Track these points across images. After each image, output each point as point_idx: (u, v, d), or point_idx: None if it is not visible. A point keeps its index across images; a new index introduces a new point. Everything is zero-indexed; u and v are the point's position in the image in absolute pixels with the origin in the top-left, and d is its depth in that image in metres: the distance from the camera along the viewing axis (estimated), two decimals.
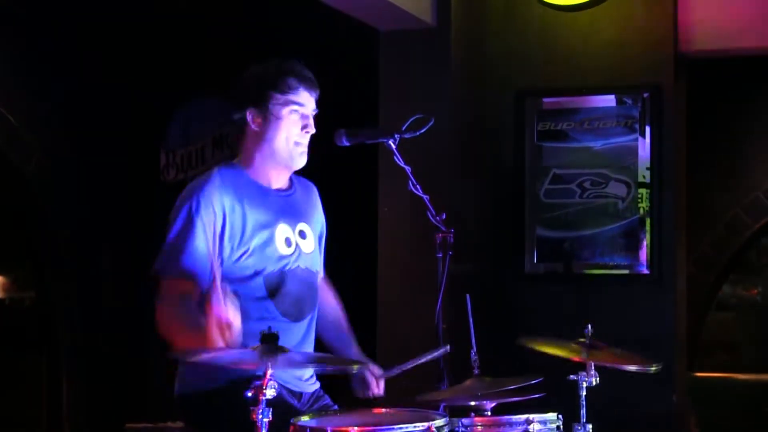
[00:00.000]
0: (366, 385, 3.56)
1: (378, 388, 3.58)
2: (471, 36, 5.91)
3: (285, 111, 3.33)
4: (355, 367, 3.19)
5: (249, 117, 3.34)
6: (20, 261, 8.09)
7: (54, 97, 7.33)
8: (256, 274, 3.27)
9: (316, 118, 3.40)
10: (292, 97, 3.34)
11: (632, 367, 3.69)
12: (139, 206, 7.46)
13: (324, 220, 3.60)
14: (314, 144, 3.41)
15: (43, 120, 7.33)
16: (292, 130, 3.34)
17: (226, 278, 3.14)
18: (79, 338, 7.48)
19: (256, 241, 3.27)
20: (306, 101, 3.36)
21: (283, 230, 3.35)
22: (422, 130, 3.45)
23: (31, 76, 7.23)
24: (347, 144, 3.46)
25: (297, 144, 3.35)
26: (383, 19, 5.66)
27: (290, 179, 3.47)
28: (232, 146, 3.42)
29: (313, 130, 3.38)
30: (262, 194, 3.35)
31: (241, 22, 7.27)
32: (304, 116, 3.36)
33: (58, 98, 7.34)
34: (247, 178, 3.35)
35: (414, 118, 3.45)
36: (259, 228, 3.29)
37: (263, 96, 3.33)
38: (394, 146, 3.43)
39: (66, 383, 7.46)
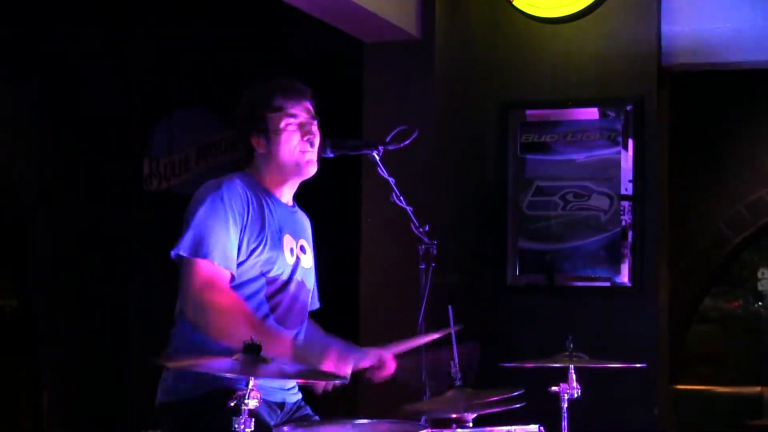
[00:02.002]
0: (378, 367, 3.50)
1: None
2: (455, 48, 5.93)
3: (282, 125, 3.39)
4: (337, 381, 3.18)
5: (253, 142, 3.41)
6: (2, 269, 8.06)
7: (37, 106, 7.31)
8: (262, 274, 3.31)
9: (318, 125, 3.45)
10: (285, 111, 3.39)
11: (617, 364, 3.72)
12: (122, 215, 7.45)
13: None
14: None
15: (25, 128, 7.32)
16: (293, 140, 3.39)
17: (239, 275, 3.24)
18: (60, 347, 7.46)
19: (269, 241, 3.32)
20: (299, 111, 3.41)
21: (288, 240, 3.40)
22: (406, 142, 3.46)
23: (14, 84, 7.21)
24: (331, 155, 3.47)
25: (302, 152, 3.40)
26: (368, 31, 5.67)
27: (294, 200, 3.53)
28: (246, 163, 3.47)
29: (315, 136, 3.42)
30: (273, 202, 3.42)
31: (225, 33, 7.27)
32: (301, 125, 3.40)
33: (42, 106, 7.33)
34: (261, 185, 3.42)
35: (398, 129, 3.46)
36: (273, 229, 3.35)
37: (259, 119, 3.39)
38: (378, 157, 3.44)
39: (47, 392, 7.43)
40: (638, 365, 3.80)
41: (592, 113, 5.98)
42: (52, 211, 7.41)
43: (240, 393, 2.75)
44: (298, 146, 3.39)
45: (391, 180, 3.43)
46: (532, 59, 6.09)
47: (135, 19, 7.44)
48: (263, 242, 3.31)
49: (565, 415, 3.56)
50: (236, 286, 3.27)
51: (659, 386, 5.93)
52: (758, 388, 9.12)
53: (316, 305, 3.67)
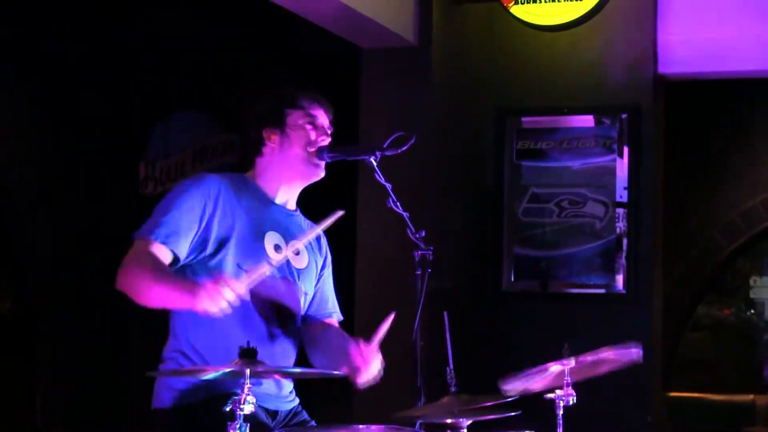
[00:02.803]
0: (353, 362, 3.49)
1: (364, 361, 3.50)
2: (452, 55, 5.94)
3: (301, 122, 3.44)
4: (336, 372, 3.18)
5: (265, 134, 3.44)
6: None
7: (35, 107, 7.31)
8: (239, 267, 3.28)
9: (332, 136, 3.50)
10: (306, 110, 3.45)
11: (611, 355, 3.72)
12: (118, 218, 7.44)
13: (330, 260, 3.66)
14: None
15: (23, 129, 7.31)
16: (307, 137, 3.43)
17: (208, 268, 3.24)
18: (56, 348, 7.45)
19: (242, 234, 3.31)
20: (320, 115, 3.47)
21: (273, 236, 3.40)
22: (404, 148, 3.46)
23: (14, 84, 7.21)
24: (329, 160, 3.48)
25: (313, 153, 3.43)
26: (365, 37, 5.68)
27: (297, 206, 3.55)
28: (247, 164, 3.50)
29: (327, 139, 3.46)
30: (261, 200, 3.43)
31: (223, 37, 7.28)
32: (318, 127, 3.46)
33: (40, 108, 7.33)
34: (252, 184, 3.44)
35: (396, 135, 3.47)
36: (247, 223, 3.35)
37: (279, 113, 3.44)
38: (375, 163, 3.45)
39: (41, 394, 7.42)
40: (633, 350, 3.78)
41: (587, 121, 6.00)
42: (48, 212, 7.41)
43: (236, 398, 2.76)
44: (309, 145, 3.42)
45: (388, 185, 3.44)
46: (528, 66, 6.11)
47: (133, 21, 7.44)
48: (233, 233, 3.29)
49: (560, 421, 3.57)
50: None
51: (653, 393, 5.94)
52: (751, 396, 9.13)
53: (339, 316, 3.69)
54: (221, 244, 3.28)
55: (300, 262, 3.49)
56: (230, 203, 3.32)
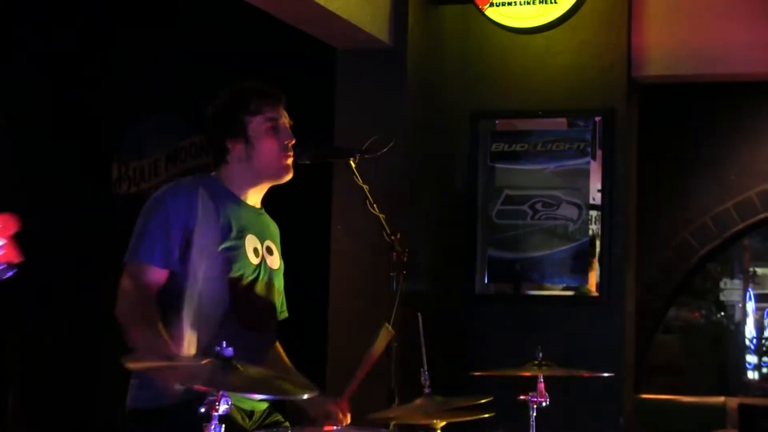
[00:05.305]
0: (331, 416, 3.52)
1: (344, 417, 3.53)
2: (427, 56, 5.95)
3: (263, 128, 3.40)
4: (310, 393, 3.15)
5: (229, 144, 3.41)
6: None
7: (6, 108, 7.26)
8: (222, 275, 3.29)
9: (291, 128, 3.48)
10: (265, 114, 3.41)
11: (585, 373, 3.74)
12: (91, 219, 7.40)
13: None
14: None
15: None
16: (272, 144, 3.40)
17: (192, 278, 3.18)
18: (29, 350, 7.41)
19: (225, 244, 3.31)
20: (278, 114, 3.44)
21: (252, 240, 3.40)
22: (383, 150, 3.47)
23: None
24: (307, 161, 3.48)
25: (283, 157, 3.41)
26: (340, 38, 5.68)
27: (261, 202, 3.54)
28: (212, 165, 3.48)
29: (293, 140, 3.43)
30: (236, 204, 3.41)
31: (196, 37, 7.25)
32: (280, 128, 3.42)
33: (11, 109, 7.28)
34: (224, 188, 3.42)
35: (374, 138, 3.47)
36: (230, 231, 3.34)
37: (238, 122, 3.40)
38: (354, 165, 3.45)
39: (13, 396, 7.37)
40: (606, 374, 3.83)
41: (561, 124, 6.02)
42: (20, 213, 7.34)
43: (211, 398, 2.74)
44: (278, 151, 3.40)
45: (365, 187, 3.44)
46: (503, 69, 6.12)
47: (108, 22, 7.41)
48: (218, 243, 3.29)
49: (534, 423, 3.58)
50: (199, 290, 3.25)
51: (625, 395, 5.96)
52: (722, 398, 9.18)
53: (284, 314, 3.67)
54: (206, 253, 3.25)
55: (274, 263, 3.49)
56: (211, 214, 3.30)
